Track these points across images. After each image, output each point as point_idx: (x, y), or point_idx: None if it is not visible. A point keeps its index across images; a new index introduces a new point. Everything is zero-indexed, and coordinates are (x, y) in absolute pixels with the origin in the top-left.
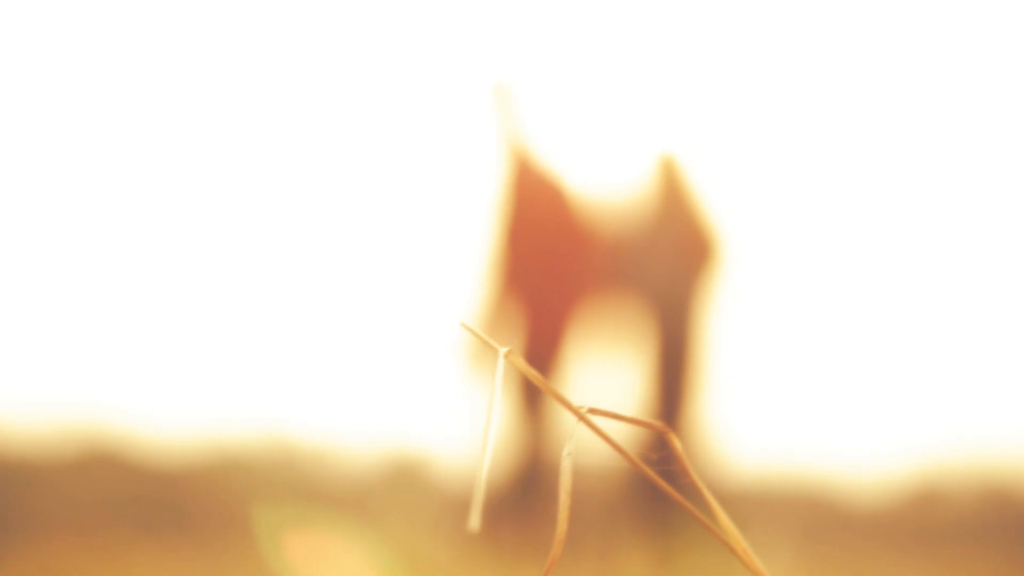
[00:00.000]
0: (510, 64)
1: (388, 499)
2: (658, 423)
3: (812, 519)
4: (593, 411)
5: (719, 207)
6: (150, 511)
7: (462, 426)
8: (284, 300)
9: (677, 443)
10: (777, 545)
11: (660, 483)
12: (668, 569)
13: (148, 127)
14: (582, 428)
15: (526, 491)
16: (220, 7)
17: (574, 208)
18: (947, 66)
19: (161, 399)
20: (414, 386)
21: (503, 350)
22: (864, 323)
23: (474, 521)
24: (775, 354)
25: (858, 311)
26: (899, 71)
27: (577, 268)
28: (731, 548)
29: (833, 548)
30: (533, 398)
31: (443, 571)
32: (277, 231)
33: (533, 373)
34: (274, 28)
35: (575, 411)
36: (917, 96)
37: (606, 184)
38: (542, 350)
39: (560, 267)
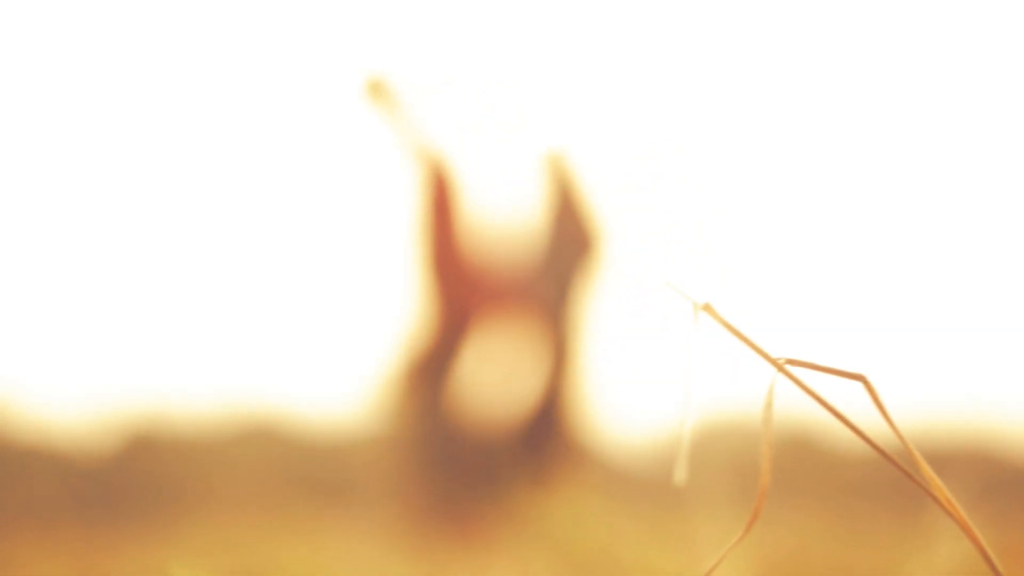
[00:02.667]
0: (389, 59)
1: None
2: (857, 373)
3: (984, 473)
4: (791, 362)
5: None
6: (308, 483)
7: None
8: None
9: (876, 393)
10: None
11: (861, 434)
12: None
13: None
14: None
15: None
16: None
17: (469, 208)
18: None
19: (314, 379)
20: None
21: (701, 303)
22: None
23: (679, 475)
24: (951, 311)
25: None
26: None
27: (479, 265)
28: (934, 498)
29: (1007, 501)
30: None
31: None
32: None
33: (731, 325)
34: (172, 31)
35: (774, 362)
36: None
37: (497, 182)
38: (450, 338)
39: (463, 263)
